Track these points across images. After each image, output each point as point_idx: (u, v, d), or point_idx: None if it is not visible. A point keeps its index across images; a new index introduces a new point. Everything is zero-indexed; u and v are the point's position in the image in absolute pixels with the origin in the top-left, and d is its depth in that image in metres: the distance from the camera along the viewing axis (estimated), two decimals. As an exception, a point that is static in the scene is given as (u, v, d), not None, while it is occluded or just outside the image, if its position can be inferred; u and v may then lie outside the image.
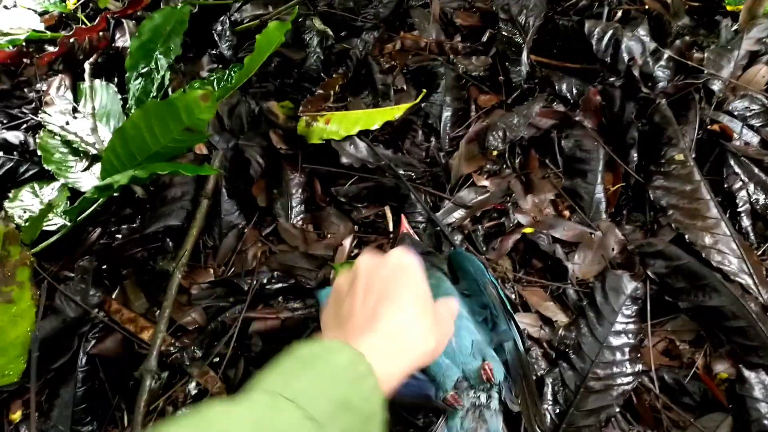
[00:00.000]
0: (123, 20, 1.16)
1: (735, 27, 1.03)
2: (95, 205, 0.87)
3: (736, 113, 0.89)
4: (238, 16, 1.16)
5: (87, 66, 1.04)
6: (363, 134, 0.92)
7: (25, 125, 1.10)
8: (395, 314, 0.47)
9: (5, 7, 1.24)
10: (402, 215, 0.80)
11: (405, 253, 0.52)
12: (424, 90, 0.98)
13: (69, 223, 0.86)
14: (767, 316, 0.70)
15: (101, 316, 0.78)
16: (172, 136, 0.77)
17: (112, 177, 0.76)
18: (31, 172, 1.01)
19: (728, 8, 1.08)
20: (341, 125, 0.92)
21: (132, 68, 0.95)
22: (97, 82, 1.05)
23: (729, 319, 0.71)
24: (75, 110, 1.06)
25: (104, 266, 0.83)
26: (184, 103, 0.73)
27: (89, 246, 0.87)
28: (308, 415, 0.36)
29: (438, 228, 0.83)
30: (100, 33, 1.13)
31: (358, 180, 0.90)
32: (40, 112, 1.08)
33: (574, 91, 0.96)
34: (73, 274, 0.83)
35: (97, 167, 0.96)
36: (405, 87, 1.04)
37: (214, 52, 1.13)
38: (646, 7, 1.07)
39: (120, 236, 0.86)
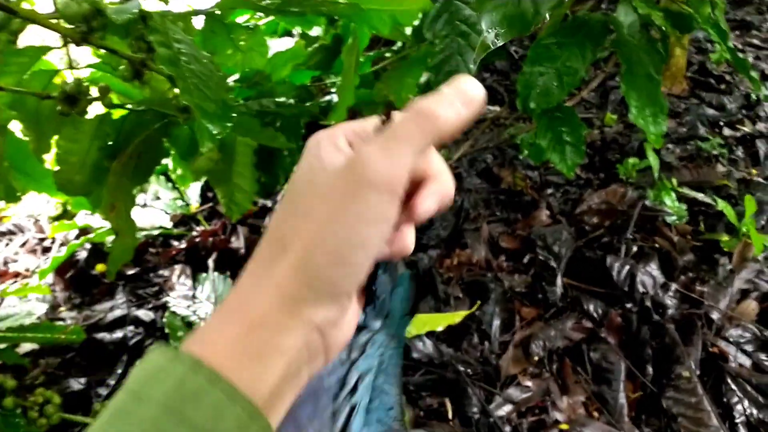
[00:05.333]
0: (237, 225, 1.46)
1: (730, 266, 1.28)
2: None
3: (731, 339, 1.11)
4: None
5: (211, 262, 1.32)
6: (429, 334, 1.15)
7: (151, 305, 1.35)
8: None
9: (142, 206, 1.57)
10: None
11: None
12: (479, 301, 1.22)
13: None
14: None
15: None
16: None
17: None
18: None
19: (725, 249, 1.34)
20: (413, 325, 1.15)
21: (252, 270, 1.22)
22: (215, 274, 1.32)
23: None
24: (194, 296, 1.32)
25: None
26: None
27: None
28: None
29: (491, 419, 1.02)
30: (222, 236, 1.43)
31: (424, 372, 1.11)
32: (163, 295, 1.35)
33: (600, 311, 1.19)
34: None
35: (211, 345, 1.19)
36: (461, 296, 1.28)
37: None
38: (657, 245, 1.34)
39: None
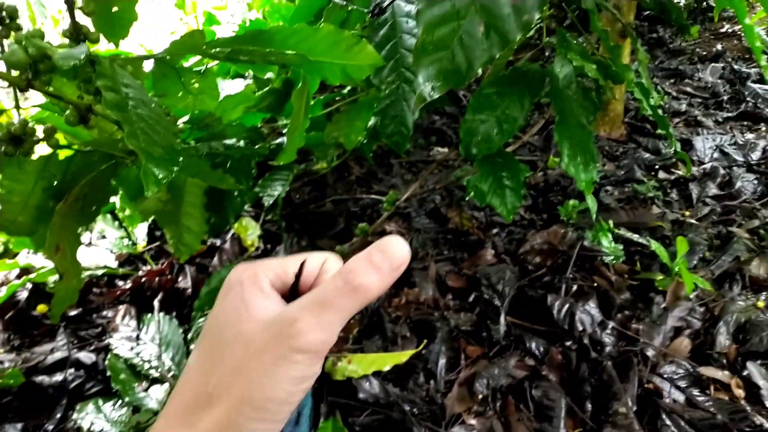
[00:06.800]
0: (185, 265, 1.45)
1: (664, 304, 1.34)
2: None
3: (666, 376, 1.15)
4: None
5: (156, 303, 1.31)
6: (376, 374, 1.15)
7: (93, 347, 1.32)
8: None
9: (87, 244, 1.55)
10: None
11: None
12: (426, 340, 1.24)
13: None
14: None
15: None
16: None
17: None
18: (96, 389, 1.21)
19: (659, 287, 1.41)
20: (360, 365, 1.16)
21: (199, 309, 1.21)
22: (160, 315, 1.30)
23: None
24: (138, 338, 1.30)
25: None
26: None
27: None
28: None
29: (435, 458, 1.03)
30: (168, 276, 1.42)
31: (370, 413, 1.12)
32: (106, 336, 1.32)
33: (541, 349, 1.22)
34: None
35: (155, 389, 1.17)
36: (408, 335, 1.30)
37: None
38: (595, 284, 1.39)
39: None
